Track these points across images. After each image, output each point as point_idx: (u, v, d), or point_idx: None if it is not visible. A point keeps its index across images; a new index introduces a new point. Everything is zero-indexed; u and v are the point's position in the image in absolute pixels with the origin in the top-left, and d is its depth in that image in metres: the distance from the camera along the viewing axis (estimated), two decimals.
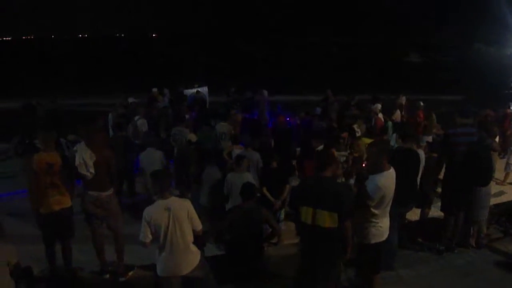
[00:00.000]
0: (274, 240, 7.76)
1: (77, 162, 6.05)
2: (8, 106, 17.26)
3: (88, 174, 6.08)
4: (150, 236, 4.88)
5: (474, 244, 7.44)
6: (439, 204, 7.68)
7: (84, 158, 6.03)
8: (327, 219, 4.81)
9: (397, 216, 6.46)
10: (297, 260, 5.52)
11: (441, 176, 7.64)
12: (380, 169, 5.25)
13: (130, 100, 13.56)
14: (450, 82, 29.00)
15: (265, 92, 15.86)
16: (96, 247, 6.51)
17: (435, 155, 7.90)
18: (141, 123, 11.20)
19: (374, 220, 5.33)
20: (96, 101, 21.29)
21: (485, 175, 7.02)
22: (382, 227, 5.41)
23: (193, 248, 5.10)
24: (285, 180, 7.95)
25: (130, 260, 6.72)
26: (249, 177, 7.56)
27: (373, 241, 5.40)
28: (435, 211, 8.37)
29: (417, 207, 7.84)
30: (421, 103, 13.38)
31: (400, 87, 17.09)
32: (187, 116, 12.61)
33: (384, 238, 5.46)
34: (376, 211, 5.28)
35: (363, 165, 5.68)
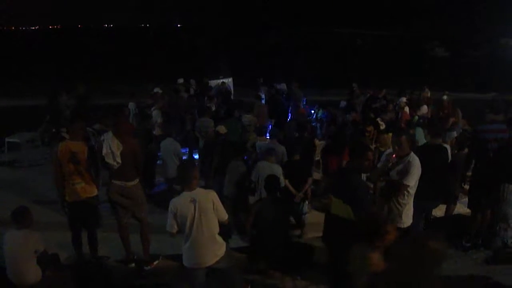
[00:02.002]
0: (298, 233, 7.78)
1: (104, 152, 6.10)
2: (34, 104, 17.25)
3: (115, 163, 6.12)
4: (176, 227, 4.89)
5: (500, 243, 7.32)
6: (466, 200, 7.59)
7: (111, 147, 6.07)
8: (342, 209, 4.96)
9: (423, 212, 6.44)
10: (321, 253, 5.54)
11: (468, 172, 7.54)
12: (407, 153, 5.46)
13: (156, 90, 13.63)
14: (478, 78, 28.34)
15: (284, 85, 15.76)
16: (122, 236, 6.58)
17: (464, 151, 7.76)
18: (156, 113, 11.25)
19: (410, 202, 5.53)
20: (122, 90, 21.33)
21: None
22: (412, 210, 5.61)
23: (219, 239, 5.10)
24: (308, 173, 7.92)
25: (156, 249, 6.79)
26: (277, 169, 7.56)
27: (408, 225, 5.57)
28: (461, 207, 8.28)
29: (443, 203, 7.76)
30: (445, 97, 13.29)
31: (426, 82, 16.76)
32: (210, 106, 12.67)
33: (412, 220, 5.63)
34: (412, 192, 5.46)
35: (393, 156, 5.71)
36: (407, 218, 5.53)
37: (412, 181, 5.38)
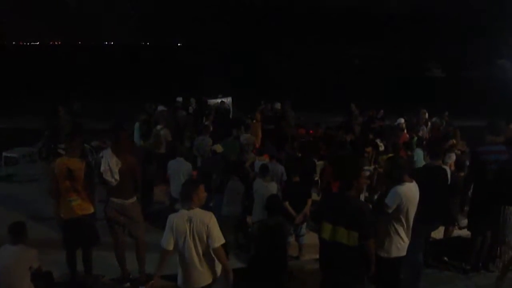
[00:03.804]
0: (295, 254, 7.71)
1: (102, 169, 6.07)
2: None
3: (113, 180, 6.09)
4: (172, 243, 4.79)
5: (500, 266, 7.25)
6: (465, 221, 7.54)
7: (110, 164, 6.05)
8: (345, 237, 4.77)
9: (423, 234, 6.37)
10: (318, 275, 5.45)
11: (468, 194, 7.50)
12: (400, 182, 5.26)
13: (160, 108, 13.47)
14: (475, 100, 28.17)
15: (279, 104, 15.65)
16: (118, 254, 6.52)
17: (462, 174, 7.74)
18: (165, 133, 11.17)
19: (395, 235, 5.32)
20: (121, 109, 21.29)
21: None
22: (403, 243, 5.38)
23: (214, 259, 5.00)
24: (308, 194, 7.86)
25: (151, 268, 6.68)
26: (274, 187, 7.52)
27: (393, 255, 5.37)
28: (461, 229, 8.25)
29: (442, 224, 7.70)
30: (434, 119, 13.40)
31: (423, 103, 16.76)
32: (208, 124, 12.63)
33: (404, 253, 5.42)
34: (397, 225, 5.28)
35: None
36: (390, 250, 5.34)
37: (389, 210, 5.19)
